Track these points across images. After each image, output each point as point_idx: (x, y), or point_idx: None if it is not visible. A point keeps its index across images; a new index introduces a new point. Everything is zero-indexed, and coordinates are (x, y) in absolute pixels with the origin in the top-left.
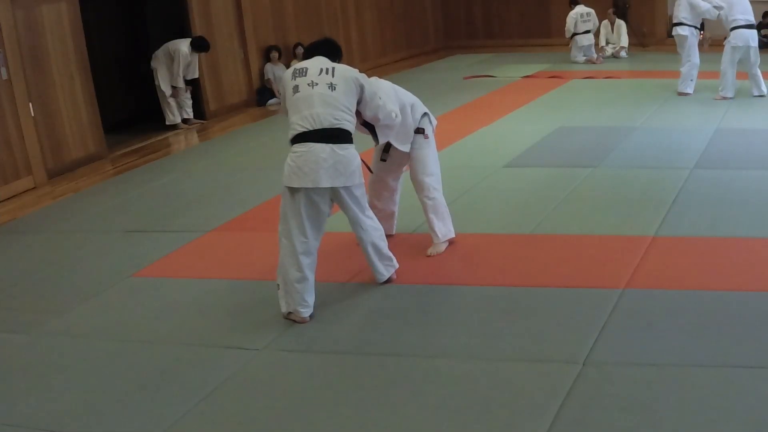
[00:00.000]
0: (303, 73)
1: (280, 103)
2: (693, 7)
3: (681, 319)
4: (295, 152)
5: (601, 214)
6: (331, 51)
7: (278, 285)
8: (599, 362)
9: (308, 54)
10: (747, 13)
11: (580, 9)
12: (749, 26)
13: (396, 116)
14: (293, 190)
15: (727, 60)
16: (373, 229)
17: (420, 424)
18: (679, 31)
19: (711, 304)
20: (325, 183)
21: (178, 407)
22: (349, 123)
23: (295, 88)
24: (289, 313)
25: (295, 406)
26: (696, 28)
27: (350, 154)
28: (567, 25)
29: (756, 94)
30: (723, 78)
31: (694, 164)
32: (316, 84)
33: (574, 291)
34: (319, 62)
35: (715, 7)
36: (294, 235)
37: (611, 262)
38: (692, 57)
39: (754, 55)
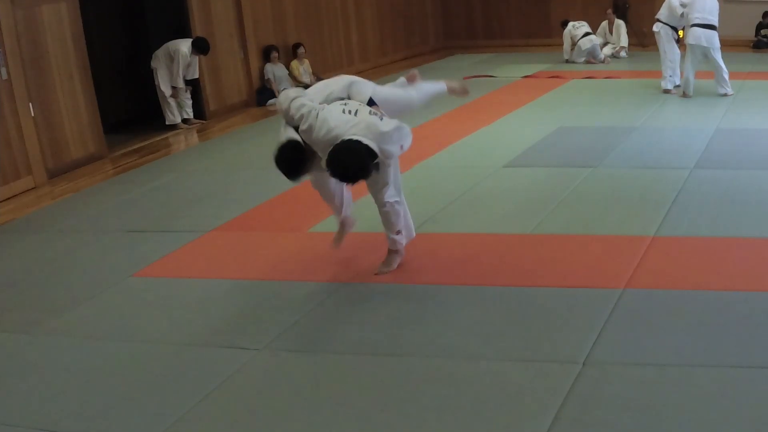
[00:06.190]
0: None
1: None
2: (671, 9)
3: (681, 319)
4: None
5: (601, 214)
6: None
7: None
8: (599, 362)
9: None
10: (705, 12)
11: (570, 24)
12: (705, 26)
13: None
14: None
15: (686, 58)
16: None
17: (420, 424)
18: (653, 27)
19: (711, 304)
20: None
21: (178, 407)
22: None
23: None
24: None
25: (295, 406)
26: (671, 27)
27: None
28: (564, 46)
29: (720, 92)
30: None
31: (694, 164)
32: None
33: (574, 291)
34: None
35: (681, 5)
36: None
37: (611, 262)
38: (668, 53)
39: (710, 55)
